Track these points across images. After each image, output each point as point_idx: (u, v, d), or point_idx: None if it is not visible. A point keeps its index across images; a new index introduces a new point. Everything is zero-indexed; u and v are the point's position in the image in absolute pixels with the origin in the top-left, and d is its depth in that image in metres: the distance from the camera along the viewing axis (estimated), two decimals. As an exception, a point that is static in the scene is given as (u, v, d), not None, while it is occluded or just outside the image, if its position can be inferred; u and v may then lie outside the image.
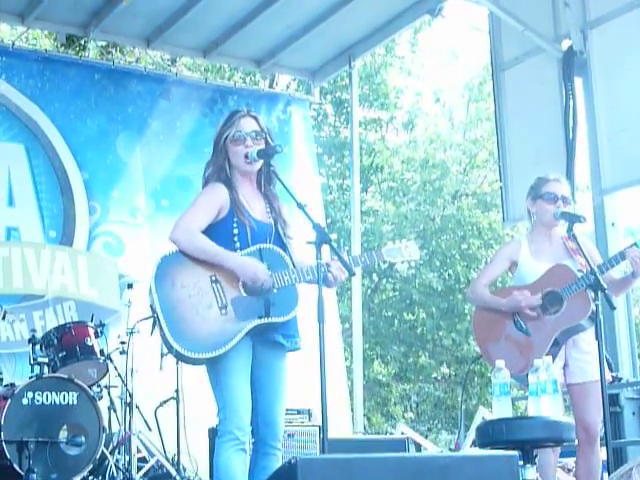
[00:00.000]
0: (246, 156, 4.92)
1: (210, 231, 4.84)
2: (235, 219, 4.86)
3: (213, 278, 4.76)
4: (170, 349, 4.74)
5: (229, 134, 4.95)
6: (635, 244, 5.71)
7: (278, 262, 4.84)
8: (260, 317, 4.74)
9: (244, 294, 4.77)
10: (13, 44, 10.74)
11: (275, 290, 4.77)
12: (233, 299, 4.75)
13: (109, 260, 10.23)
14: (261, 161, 4.97)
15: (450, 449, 16.44)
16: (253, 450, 4.89)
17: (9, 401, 6.80)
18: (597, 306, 5.42)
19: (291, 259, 4.90)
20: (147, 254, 9.42)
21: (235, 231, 4.86)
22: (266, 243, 4.90)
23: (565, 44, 9.85)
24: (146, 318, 7.13)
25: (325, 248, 4.75)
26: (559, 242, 5.94)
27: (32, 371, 7.37)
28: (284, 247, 4.96)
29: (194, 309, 4.70)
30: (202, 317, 4.69)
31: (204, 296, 4.73)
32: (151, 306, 4.81)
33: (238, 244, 4.85)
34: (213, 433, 5.22)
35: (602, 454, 5.85)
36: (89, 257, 10.18)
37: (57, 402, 7.01)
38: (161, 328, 4.70)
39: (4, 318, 7.85)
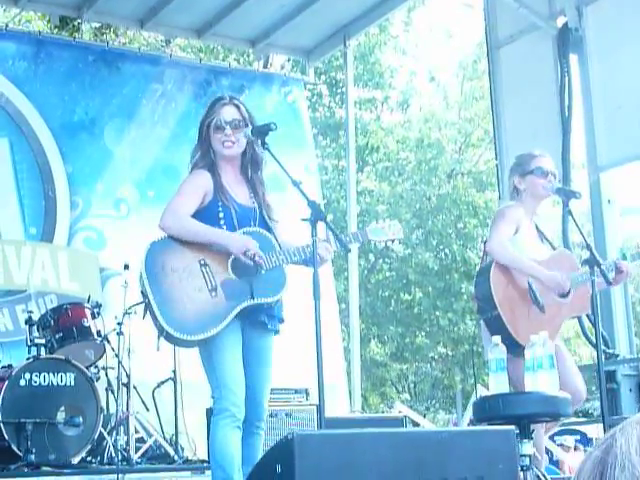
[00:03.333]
0: (224, 143, 5.00)
1: (197, 217, 4.92)
2: (220, 203, 4.96)
3: (202, 262, 4.85)
4: (161, 331, 4.82)
5: (210, 122, 5.04)
6: (624, 255, 5.77)
7: (265, 244, 4.92)
8: (249, 298, 4.81)
9: (233, 276, 4.86)
10: (6, 26, 10.69)
11: (263, 271, 4.85)
12: (222, 282, 4.84)
13: (89, 254, 10.20)
14: (243, 146, 5.06)
15: (448, 428, 16.44)
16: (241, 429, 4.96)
17: (6, 382, 6.82)
18: (593, 282, 5.45)
19: (277, 241, 4.97)
20: (131, 245, 9.31)
21: (220, 215, 4.94)
22: (251, 226, 4.98)
23: (560, 21, 9.83)
24: (138, 303, 7.13)
25: (319, 226, 4.80)
26: (533, 225, 5.96)
27: (29, 352, 7.38)
28: (269, 229, 5.04)
29: (184, 292, 4.79)
30: (192, 300, 4.79)
31: (194, 279, 4.82)
32: (142, 292, 4.88)
33: (225, 227, 4.93)
34: (211, 413, 5.29)
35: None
36: (69, 252, 10.15)
37: (54, 383, 7.02)
38: (153, 312, 4.78)
39: None
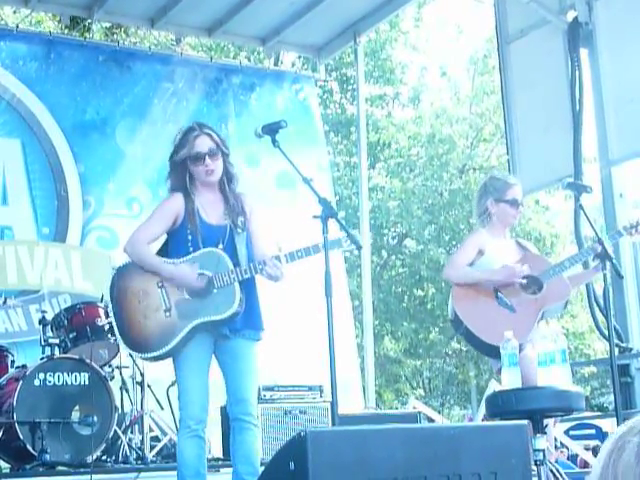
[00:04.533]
0: (206, 173, 5.30)
1: (169, 237, 5.37)
2: (188, 225, 5.29)
3: (160, 284, 5.24)
4: (130, 353, 5.39)
5: (188, 156, 5.33)
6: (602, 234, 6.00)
7: (219, 264, 5.21)
8: (200, 317, 5.13)
9: (187, 296, 5.20)
10: (17, 27, 10.71)
11: (215, 290, 5.15)
12: (177, 302, 5.21)
13: (102, 253, 10.21)
14: (222, 169, 5.35)
15: (462, 423, 16.38)
16: (231, 428, 5.25)
17: (21, 382, 6.83)
18: (605, 276, 5.53)
19: (235, 255, 5.24)
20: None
21: (189, 237, 5.28)
22: (215, 246, 5.27)
23: (570, 15, 9.81)
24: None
25: (330, 223, 4.87)
26: (512, 241, 6.34)
27: (43, 352, 7.39)
28: (234, 246, 5.30)
29: (142, 314, 5.22)
30: (149, 320, 5.21)
31: (151, 300, 5.22)
32: None
33: (191, 248, 5.25)
34: (225, 411, 5.46)
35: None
36: (82, 252, 10.21)
37: (69, 383, 7.03)
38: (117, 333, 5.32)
39: (5, 303, 7.91)
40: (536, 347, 5.44)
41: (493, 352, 5.83)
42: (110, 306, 5.32)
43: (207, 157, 5.30)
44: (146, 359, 5.37)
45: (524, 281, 5.89)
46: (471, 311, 5.99)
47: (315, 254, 5.27)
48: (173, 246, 5.33)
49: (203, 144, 5.32)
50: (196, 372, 5.17)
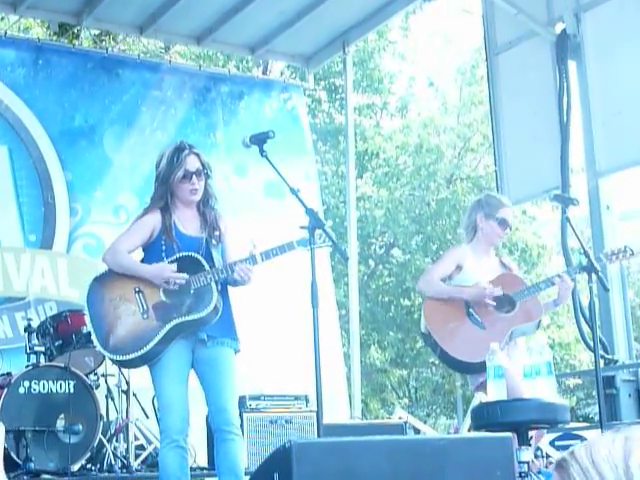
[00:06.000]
0: (191, 192, 5.43)
1: (145, 250, 5.49)
2: (163, 237, 5.40)
3: (137, 289, 5.34)
4: (107, 357, 5.52)
5: (177, 175, 5.42)
6: (580, 263, 6.04)
7: (195, 266, 5.32)
8: (178, 317, 5.21)
9: (165, 299, 5.29)
10: (5, 33, 10.68)
11: (192, 291, 5.24)
12: (154, 304, 5.34)
13: (89, 261, 10.17)
14: (203, 192, 5.47)
15: (449, 433, 16.42)
16: (215, 439, 5.33)
17: (5, 390, 6.81)
18: (591, 288, 5.56)
19: (212, 264, 5.36)
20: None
21: (163, 247, 5.40)
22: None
23: (558, 27, 9.84)
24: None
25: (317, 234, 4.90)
26: (496, 259, 6.40)
27: (28, 360, 7.37)
28: (210, 256, 5.41)
29: (119, 318, 5.31)
30: (126, 323, 5.30)
31: (128, 305, 5.32)
32: None
33: (165, 257, 5.40)
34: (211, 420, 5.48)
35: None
36: (69, 259, 10.16)
37: (54, 391, 7.03)
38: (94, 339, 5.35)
39: None
40: (520, 360, 5.48)
41: (460, 367, 5.99)
42: (87, 313, 5.38)
43: (194, 176, 5.40)
44: (124, 362, 5.42)
45: (493, 303, 5.97)
46: (441, 326, 6.10)
47: (290, 251, 5.35)
48: (147, 257, 5.45)
49: (192, 163, 5.44)
50: (175, 382, 5.22)
